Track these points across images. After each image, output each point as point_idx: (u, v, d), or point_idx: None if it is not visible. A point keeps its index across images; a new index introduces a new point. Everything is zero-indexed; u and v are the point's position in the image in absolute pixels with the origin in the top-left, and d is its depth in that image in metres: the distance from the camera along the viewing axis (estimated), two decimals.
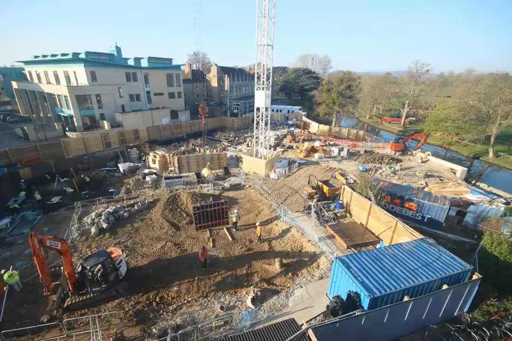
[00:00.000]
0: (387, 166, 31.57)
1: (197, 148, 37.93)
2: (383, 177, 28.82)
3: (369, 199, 19.65)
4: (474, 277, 12.26)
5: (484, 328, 11.47)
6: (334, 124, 55.90)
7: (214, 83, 77.81)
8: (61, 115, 44.92)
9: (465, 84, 58.51)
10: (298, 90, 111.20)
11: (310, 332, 9.00)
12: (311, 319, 11.92)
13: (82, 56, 44.50)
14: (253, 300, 13.12)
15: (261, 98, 27.69)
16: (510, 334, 11.42)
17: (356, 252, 15.97)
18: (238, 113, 69.34)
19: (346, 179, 27.64)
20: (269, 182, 27.72)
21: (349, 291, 11.47)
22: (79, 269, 12.97)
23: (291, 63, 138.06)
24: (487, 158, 46.60)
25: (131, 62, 53.14)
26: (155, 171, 29.22)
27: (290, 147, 40.88)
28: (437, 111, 52.01)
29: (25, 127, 38.37)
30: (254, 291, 13.58)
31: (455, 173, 31.60)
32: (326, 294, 13.50)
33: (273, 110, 62.37)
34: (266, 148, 30.09)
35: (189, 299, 13.54)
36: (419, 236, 14.89)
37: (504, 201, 24.69)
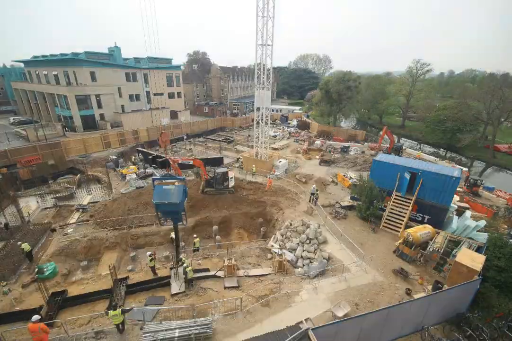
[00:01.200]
0: None
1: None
2: None
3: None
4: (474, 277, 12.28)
5: (484, 328, 11.47)
6: (334, 124, 55.78)
7: (214, 83, 77.88)
8: (61, 115, 44.95)
9: (466, 84, 58.59)
10: (298, 90, 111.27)
11: (310, 333, 8.99)
12: None
13: (82, 56, 44.51)
14: None
15: (261, 98, 27.67)
16: (510, 334, 11.42)
17: None
18: (238, 114, 69.42)
19: (350, 179, 27.43)
20: None
21: None
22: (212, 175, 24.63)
23: (291, 63, 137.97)
24: (487, 159, 46.72)
25: (130, 62, 53.15)
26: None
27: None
28: (438, 112, 51.97)
29: (25, 128, 38.42)
30: None
31: None
32: None
33: (273, 111, 62.34)
34: (266, 148, 30.07)
35: None
36: None
37: None
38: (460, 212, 20.86)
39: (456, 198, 23.71)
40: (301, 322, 9.86)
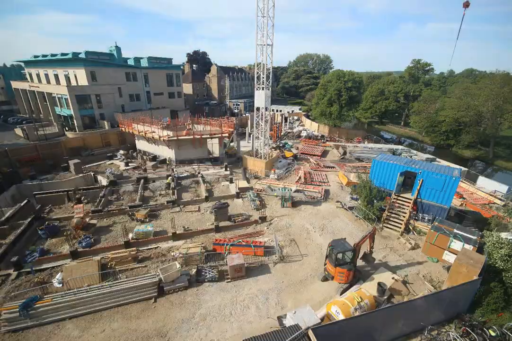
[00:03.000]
0: None
1: None
2: None
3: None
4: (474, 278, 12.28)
5: (484, 328, 11.48)
6: (334, 124, 55.60)
7: (214, 83, 77.92)
8: (61, 115, 44.91)
9: (465, 84, 58.37)
10: (298, 90, 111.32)
11: (310, 333, 8.99)
12: None
13: (82, 56, 44.49)
14: None
15: (261, 98, 27.67)
16: (509, 334, 11.43)
17: None
18: (238, 113, 69.42)
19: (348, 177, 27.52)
20: None
21: None
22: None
23: (291, 63, 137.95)
24: (487, 159, 46.74)
25: (131, 62, 53.11)
26: None
27: None
28: (437, 113, 51.95)
29: (25, 127, 38.43)
30: None
31: None
32: None
33: (273, 110, 62.33)
34: (266, 148, 30.08)
35: None
36: None
37: None
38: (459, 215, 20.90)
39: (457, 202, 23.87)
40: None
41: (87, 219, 19.17)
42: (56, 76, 45.88)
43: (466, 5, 22.48)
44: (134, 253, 15.76)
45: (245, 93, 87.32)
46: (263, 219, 19.98)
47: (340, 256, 13.70)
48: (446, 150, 51.78)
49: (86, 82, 42.65)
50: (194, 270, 14.76)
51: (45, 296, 12.71)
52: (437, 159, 35.65)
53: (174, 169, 28.41)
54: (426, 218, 19.67)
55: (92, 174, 26.63)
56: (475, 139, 47.21)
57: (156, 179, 26.02)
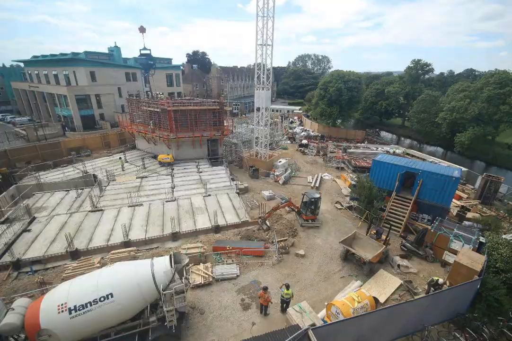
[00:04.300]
0: None
1: None
2: None
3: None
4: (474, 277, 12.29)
5: (484, 328, 11.49)
6: (333, 124, 55.70)
7: (214, 83, 77.91)
8: (61, 115, 44.92)
9: (463, 84, 58.18)
10: (298, 90, 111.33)
11: (310, 333, 8.97)
12: None
13: (82, 56, 44.52)
14: None
15: (261, 98, 27.69)
16: (509, 333, 11.45)
17: None
18: (238, 113, 69.42)
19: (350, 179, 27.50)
20: None
21: None
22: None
23: (290, 63, 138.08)
24: (487, 159, 46.75)
25: (130, 62, 53.15)
26: None
27: None
28: (436, 113, 51.96)
29: (25, 127, 38.45)
30: None
31: None
32: None
33: (272, 111, 62.34)
34: (266, 148, 30.09)
35: None
36: None
37: None
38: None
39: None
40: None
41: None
42: (56, 76, 45.90)
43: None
44: (134, 253, 15.74)
45: (245, 93, 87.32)
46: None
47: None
48: (446, 150, 51.85)
49: (85, 83, 42.68)
50: None
51: None
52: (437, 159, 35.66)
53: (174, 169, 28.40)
54: (426, 218, 19.70)
55: (92, 173, 26.62)
56: (473, 140, 47.11)
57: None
